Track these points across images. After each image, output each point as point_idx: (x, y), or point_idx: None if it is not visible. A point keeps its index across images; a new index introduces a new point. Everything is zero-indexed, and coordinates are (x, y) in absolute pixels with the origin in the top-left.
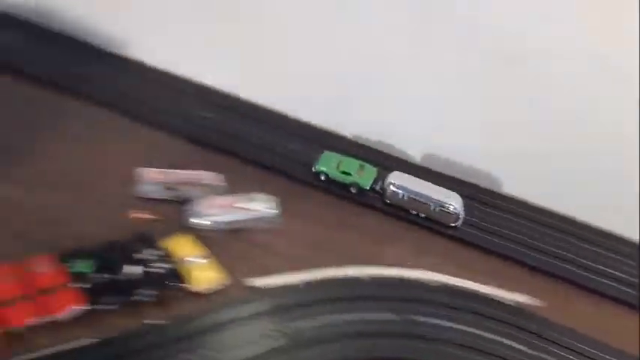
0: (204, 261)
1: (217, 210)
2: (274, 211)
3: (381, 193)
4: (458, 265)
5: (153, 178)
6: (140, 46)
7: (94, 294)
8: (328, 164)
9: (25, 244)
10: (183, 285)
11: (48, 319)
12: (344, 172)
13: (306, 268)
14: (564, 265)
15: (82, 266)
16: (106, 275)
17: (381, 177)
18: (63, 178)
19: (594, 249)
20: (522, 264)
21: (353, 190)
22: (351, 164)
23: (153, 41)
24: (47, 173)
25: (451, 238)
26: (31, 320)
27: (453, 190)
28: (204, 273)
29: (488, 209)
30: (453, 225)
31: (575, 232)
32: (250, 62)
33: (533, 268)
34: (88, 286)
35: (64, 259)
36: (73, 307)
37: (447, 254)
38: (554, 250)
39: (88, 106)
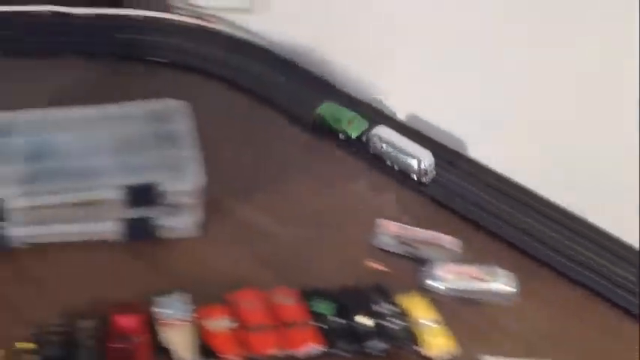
0: (437, 326)
1: (454, 276)
2: (511, 289)
3: (365, 143)
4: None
5: (392, 231)
6: (396, 100)
7: (330, 337)
8: (327, 110)
9: (267, 272)
10: (415, 346)
11: (287, 352)
12: (337, 120)
13: (541, 357)
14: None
15: (323, 307)
16: (342, 320)
17: (369, 130)
18: (307, 215)
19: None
20: (483, 229)
21: (341, 137)
22: (345, 114)
23: (409, 97)
24: (293, 207)
25: (418, 192)
26: (272, 351)
27: (428, 149)
28: (436, 338)
29: (458, 172)
30: (423, 181)
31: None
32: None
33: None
34: (325, 327)
35: (306, 296)
36: (312, 346)
37: (408, 204)
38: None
39: (339, 151)
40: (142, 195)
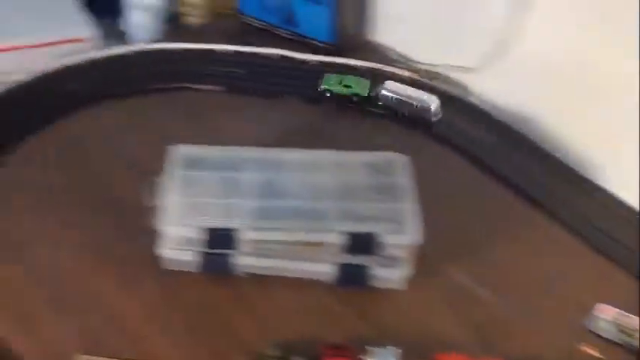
0: None
1: None
2: None
3: (376, 98)
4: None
5: (609, 316)
6: (612, 177)
7: None
8: (330, 83)
9: (473, 338)
10: None
11: None
12: (346, 86)
13: None
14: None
15: None
16: None
17: (374, 87)
18: (517, 284)
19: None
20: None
21: (355, 99)
22: (351, 79)
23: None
24: (503, 274)
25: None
26: None
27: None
28: None
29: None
30: (432, 120)
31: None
32: None
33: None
34: None
35: None
36: None
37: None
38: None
39: (547, 221)
40: (362, 243)
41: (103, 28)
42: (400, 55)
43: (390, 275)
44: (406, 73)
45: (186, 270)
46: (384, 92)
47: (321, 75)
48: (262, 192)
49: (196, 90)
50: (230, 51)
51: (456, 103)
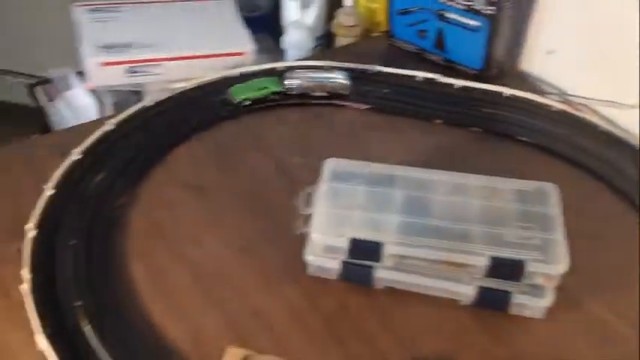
0: None
1: None
2: None
3: (288, 89)
4: None
5: None
6: None
7: None
8: (244, 92)
9: None
10: None
11: None
12: (261, 89)
13: None
14: None
15: None
16: None
17: (280, 81)
18: None
19: None
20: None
21: (272, 97)
22: (262, 81)
23: None
24: None
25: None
26: None
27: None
28: None
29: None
30: (346, 93)
31: None
32: None
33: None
34: None
35: None
36: None
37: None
38: None
39: None
40: (506, 269)
41: (262, 44)
42: (551, 86)
43: (531, 303)
44: (557, 105)
45: (328, 277)
46: (292, 81)
47: (468, 101)
48: (408, 209)
49: (345, 107)
50: (378, 71)
51: (608, 138)
